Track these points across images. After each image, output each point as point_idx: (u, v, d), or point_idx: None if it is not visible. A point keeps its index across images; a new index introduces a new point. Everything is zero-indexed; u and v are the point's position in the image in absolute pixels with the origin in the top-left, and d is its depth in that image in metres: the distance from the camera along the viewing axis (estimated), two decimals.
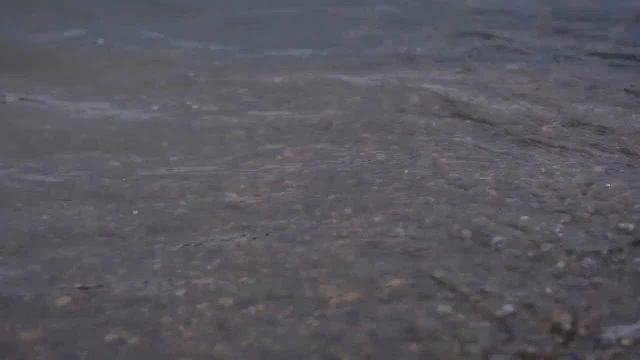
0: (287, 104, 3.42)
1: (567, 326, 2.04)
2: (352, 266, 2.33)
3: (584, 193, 2.57)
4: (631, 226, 2.39)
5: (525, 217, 2.48)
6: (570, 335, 2.03)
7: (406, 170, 2.79)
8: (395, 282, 2.26)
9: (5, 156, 3.09)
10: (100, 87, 3.76)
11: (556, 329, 2.05)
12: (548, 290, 2.18)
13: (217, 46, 4.28)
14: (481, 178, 2.71)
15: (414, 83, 3.54)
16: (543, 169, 2.75)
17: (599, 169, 2.73)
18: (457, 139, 3.01)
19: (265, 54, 4.14)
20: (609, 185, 2.61)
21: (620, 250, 2.30)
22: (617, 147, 2.84)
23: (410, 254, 2.36)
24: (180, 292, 2.29)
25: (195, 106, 3.49)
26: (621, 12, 4.39)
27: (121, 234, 2.57)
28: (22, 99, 3.63)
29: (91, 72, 3.94)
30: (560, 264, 2.27)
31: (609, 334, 1.98)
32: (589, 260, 2.27)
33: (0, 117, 3.46)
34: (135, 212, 2.67)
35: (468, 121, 3.13)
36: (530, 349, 2.00)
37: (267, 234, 2.51)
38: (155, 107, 3.49)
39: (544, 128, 3.02)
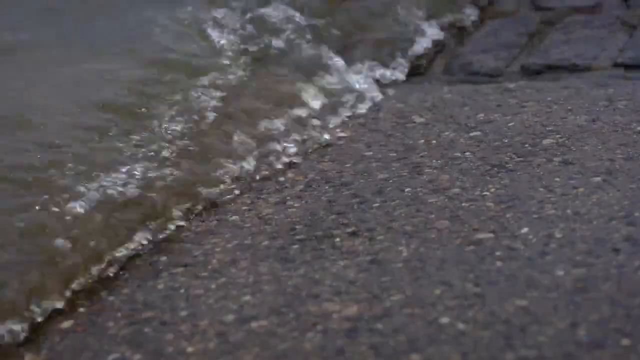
0: None
1: (581, 336, 2.05)
2: (354, 282, 2.35)
3: None
4: None
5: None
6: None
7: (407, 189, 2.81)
8: (397, 296, 2.27)
9: None
10: None
11: (557, 334, 2.06)
12: (552, 294, 2.19)
13: None
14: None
15: None
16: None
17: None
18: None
19: None
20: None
21: None
22: None
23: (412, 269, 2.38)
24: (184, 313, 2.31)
25: None
26: None
27: None
28: None
29: None
30: (560, 273, 2.28)
31: None
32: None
33: None
34: None
35: None
36: (532, 353, 2.01)
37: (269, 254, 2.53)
38: None
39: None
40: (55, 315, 2.36)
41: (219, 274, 2.46)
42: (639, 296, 2.15)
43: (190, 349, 2.17)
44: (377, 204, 2.72)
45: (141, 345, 2.20)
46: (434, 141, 3.09)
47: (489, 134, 3.08)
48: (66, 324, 2.34)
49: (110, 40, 3.53)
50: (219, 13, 3.66)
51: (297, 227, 2.66)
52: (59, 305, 2.36)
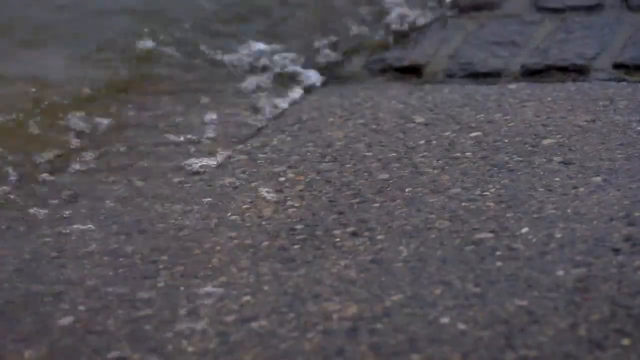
0: None
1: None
2: (355, 282, 2.35)
3: None
4: None
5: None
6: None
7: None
8: (397, 296, 2.27)
9: None
10: None
11: (557, 333, 2.07)
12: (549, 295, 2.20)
13: None
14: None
15: None
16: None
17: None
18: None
19: None
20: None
21: None
22: None
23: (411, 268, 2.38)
24: (183, 310, 2.31)
25: None
26: None
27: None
28: None
29: None
30: (561, 272, 2.28)
31: None
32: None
33: None
34: None
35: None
36: (532, 353, 2.01)
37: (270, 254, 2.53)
38: None
39: None
40: (55, 311, 2.35)
41: (219, 273, 2.46)
42: (639, 296, 2.15)
43: (190, 349, 2.17)
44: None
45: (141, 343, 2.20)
46: None
47: None
48: (66, 321, 2.33)
49: None
50: None
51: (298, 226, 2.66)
52: None
